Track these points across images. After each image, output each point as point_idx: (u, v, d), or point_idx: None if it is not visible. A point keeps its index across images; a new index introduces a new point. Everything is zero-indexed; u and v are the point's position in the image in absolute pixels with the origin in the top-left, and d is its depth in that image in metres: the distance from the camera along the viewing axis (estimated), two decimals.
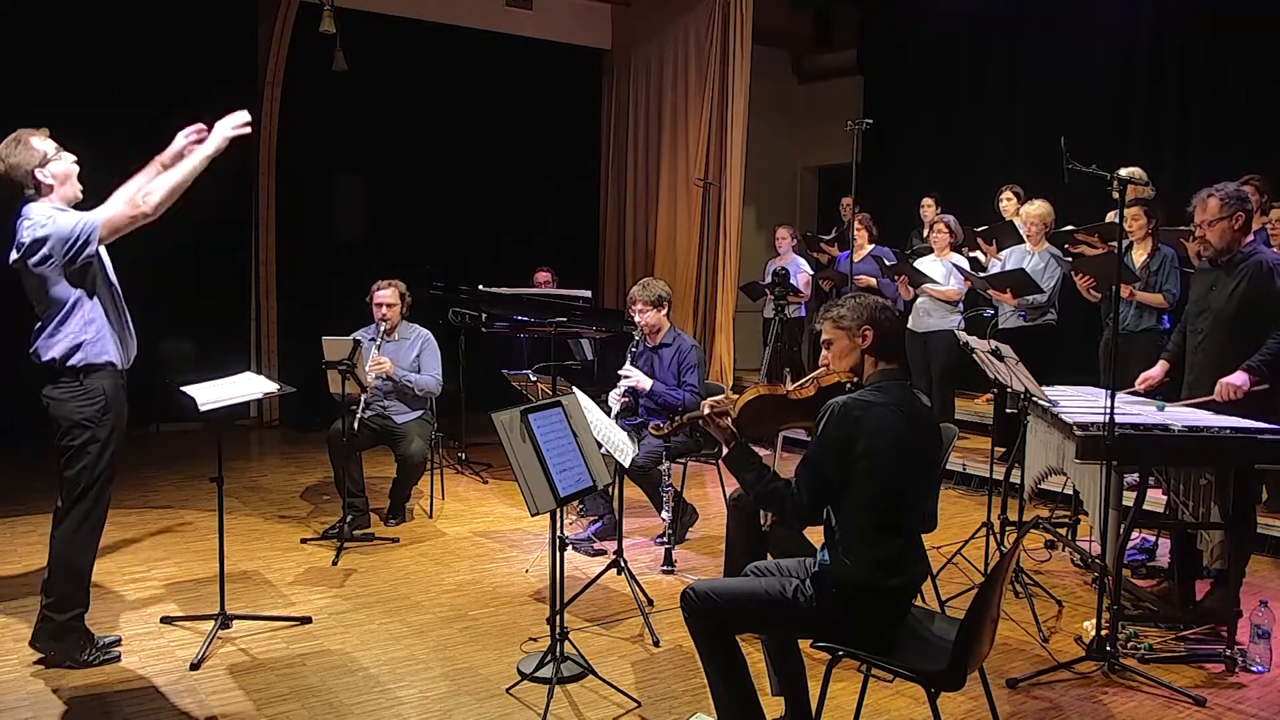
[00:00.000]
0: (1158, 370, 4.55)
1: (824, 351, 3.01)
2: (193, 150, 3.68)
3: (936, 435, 2.96)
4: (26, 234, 3.46)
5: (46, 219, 3.46)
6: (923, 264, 6.93)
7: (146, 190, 3.54)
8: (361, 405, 5.27)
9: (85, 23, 7.40)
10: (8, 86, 6.96)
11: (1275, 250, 5.32)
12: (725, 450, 2.95)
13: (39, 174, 3.51)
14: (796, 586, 2.84)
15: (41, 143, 3.54)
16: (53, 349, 3.52)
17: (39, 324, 3.55)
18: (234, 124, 3.70)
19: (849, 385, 2.91)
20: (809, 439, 2.86)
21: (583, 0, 10.03)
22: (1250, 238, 4.26)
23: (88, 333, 3.54)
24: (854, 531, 2.76)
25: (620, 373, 5.27)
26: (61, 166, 3.58)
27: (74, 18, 7.34)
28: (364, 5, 8.35)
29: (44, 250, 3.44)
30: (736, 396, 3.08)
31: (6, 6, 6.98)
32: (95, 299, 3.57)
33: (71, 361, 3.53)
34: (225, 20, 8.15)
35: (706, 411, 2.99)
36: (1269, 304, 4.11)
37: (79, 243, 3.44)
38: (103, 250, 3.59)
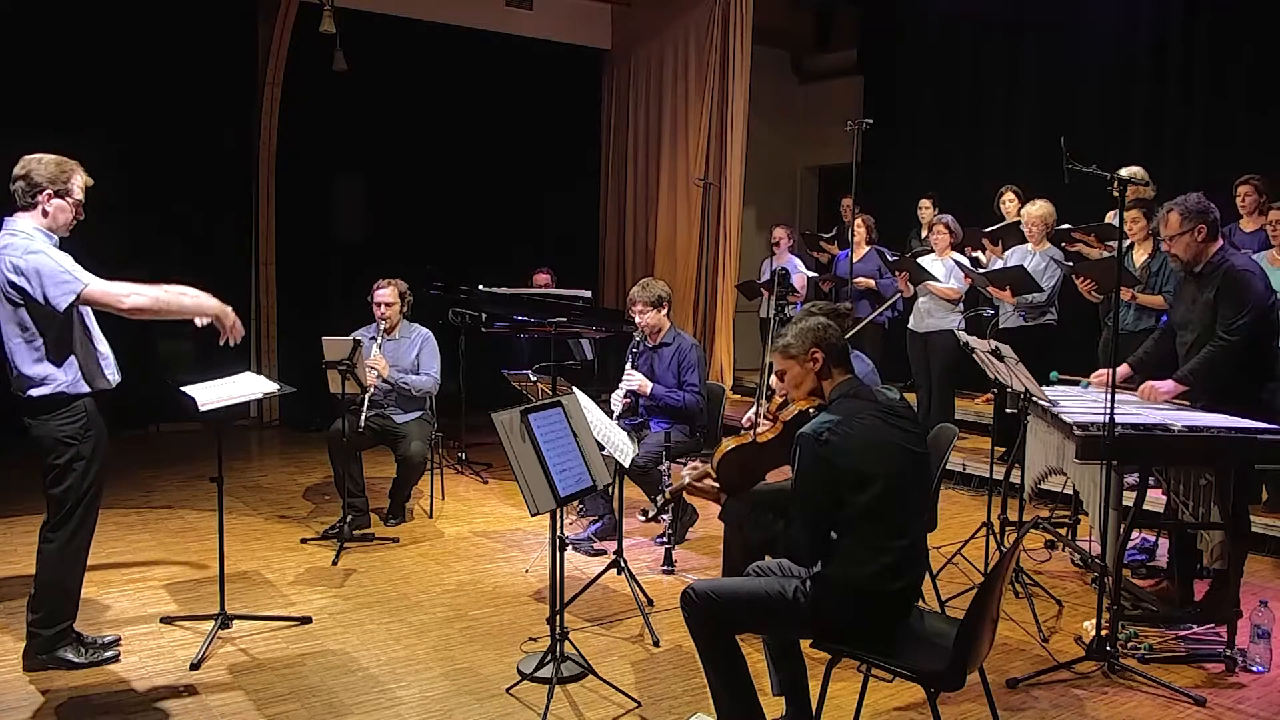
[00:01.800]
0: (1120, 372, 4.47)
1: (779, 382, 3.03)
2: (192, 301, 3.62)
3: (914, 424, 2.92)
4: (7, 261, 3.42)
5: (34, 253, 3.42)
6: (923, 263, 6.93)
7: (141, 291, 3.49)
8: (366, 403, 5.27)
9: (85, 23, 7.39)
10: (6, 85, 6.97)
11: (1275, 253, 5.34)
12: (723, 506, 3.03)
13: (44, 196, 3.50)
14: (797, 587, 2.83)
15: (75, 181, 3.56)
16: (30, 388, 3.49)
17: (11, 352, 3.50)
18: (229, 323, 3.66)
19: (811, 411, 2.90)
20: None
21: (583, 0, 10.03)
22: (1219, 244, 4.22)
23: (61, 368, 3.51)
24: (855, 538, 2.74)
25: (625, 374, 5.28)
26: (66, 206, 3.56)
27: (74, 17, 7.34)
28: (364, 5, 8.35)
29: (21, 285, 3.41)
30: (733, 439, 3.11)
31: (6, 6, 6.98)
32: (68, 327, 3.53)
33: (42, 394, 3.50)
34: (225, 20, 8.15)
35: (688, 481, 3.07)
36: (1223, 309, 4.08)
37: (58, 296, 3.41)
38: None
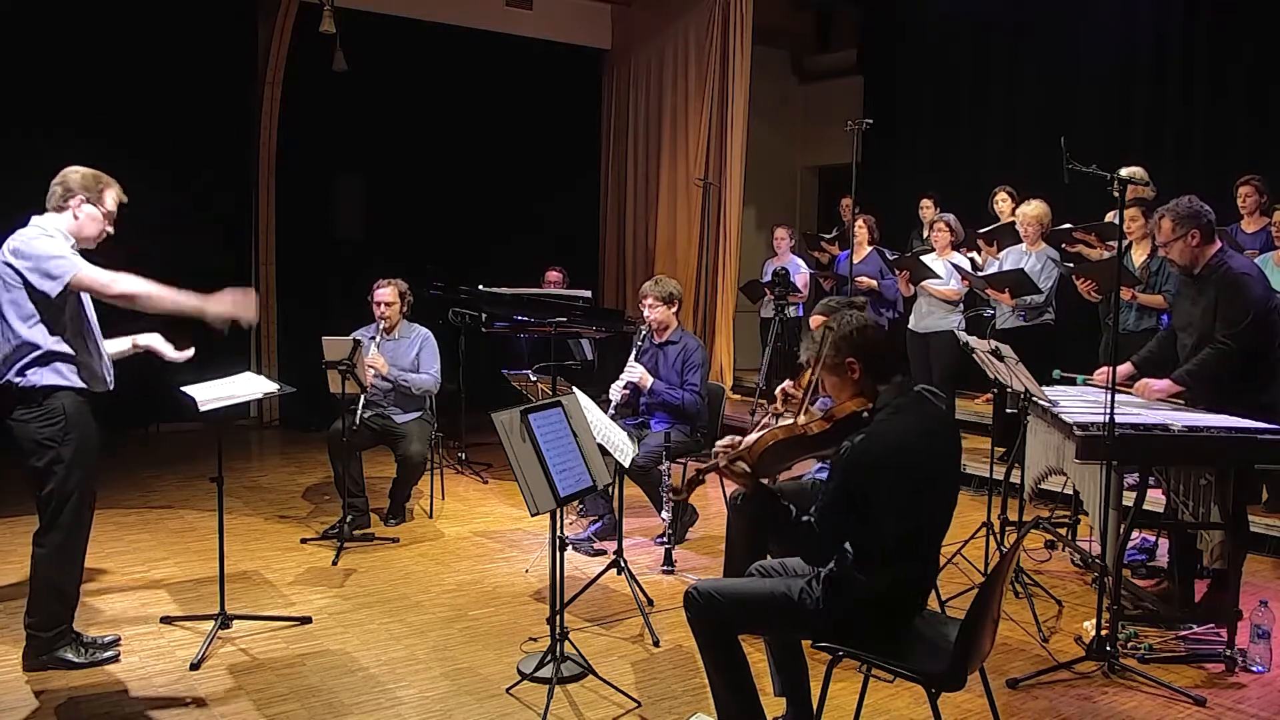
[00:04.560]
0: (1122, 370, 4.46)
1: (795, 387, 2.90)
2: (175, 300, 3.60)
3: (957, 445, 2.85)
4: (12, 245, 3.47)
5: (36, 236, 3.48)
6: (925, 261, 6.93)
7: (133, 280, 3.53)
8: (361, 404, 5.26)
9: (86, 22, 7.39)
10: (7, 86, 6.97)
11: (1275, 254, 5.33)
12: (745, 495, 2.78)
13: (76, 201, 3.58)
14: (803, 588, 2.82)
15: (109, 194, 3.66)
16: (10, 372, 3.49)
17: (4, 337, 3.51)
18: (244, 314, 3.68)
19: (865, 414, 2.75)
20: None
21: (583, 0, 10.03)
22: (1217, 246, 4.20)
23: (45, 356, 3.51)
24: (876, 553, 2.71)
25: (627, 366, 5.27)
26: (97, 215, 3.63)
27: (75, 17, 7.34)
28: (364, 5, 8.35)
29: (17, 267, 3.44)
30: (752, 440, 2.85)
31: (6, 6, 6.97)
32: (60, 320, 3.53)
33: (28, 384, 3.50)
34: (225, 20, 8.15)
35: (723, 464, 2.80)
36: (1224, 313, 4.07)
37: (48, 276, 3.44)
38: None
